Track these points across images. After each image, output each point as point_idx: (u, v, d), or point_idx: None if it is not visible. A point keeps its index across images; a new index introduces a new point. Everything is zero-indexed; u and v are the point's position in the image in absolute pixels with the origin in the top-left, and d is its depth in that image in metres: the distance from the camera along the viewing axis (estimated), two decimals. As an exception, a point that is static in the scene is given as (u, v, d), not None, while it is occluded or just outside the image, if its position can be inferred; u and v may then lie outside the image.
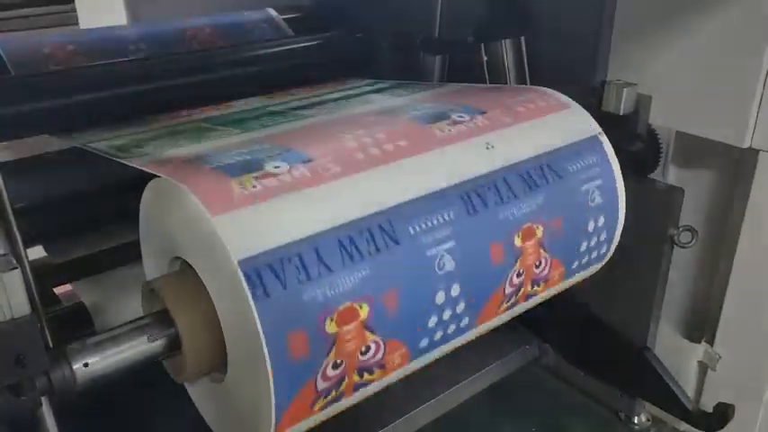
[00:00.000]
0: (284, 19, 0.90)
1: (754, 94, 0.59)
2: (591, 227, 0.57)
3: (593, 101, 0.66)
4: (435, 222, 0.45)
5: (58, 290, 0.68)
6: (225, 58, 0.81)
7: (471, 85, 0.67)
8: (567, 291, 0.64)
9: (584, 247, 0.57)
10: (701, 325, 0.72)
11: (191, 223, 0.40)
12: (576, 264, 0.58)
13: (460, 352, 0.56)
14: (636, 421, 0.76)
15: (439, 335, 0.47)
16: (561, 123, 0.58)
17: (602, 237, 0.59)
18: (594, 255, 0.59)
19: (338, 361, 0.41)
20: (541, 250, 0.53)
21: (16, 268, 0.35)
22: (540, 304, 0.62)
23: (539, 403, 0.82)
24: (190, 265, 0.43)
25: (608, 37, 0.67)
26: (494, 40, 0.72)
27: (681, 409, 0.70)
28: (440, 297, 0.46)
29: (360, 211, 0.42)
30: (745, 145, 0.61)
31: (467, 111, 0.54)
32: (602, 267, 0.65)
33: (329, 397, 0.42)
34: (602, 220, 0.58)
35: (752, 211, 0.63)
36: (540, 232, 0.52)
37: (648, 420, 0.76)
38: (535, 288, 0.54)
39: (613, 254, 0.64)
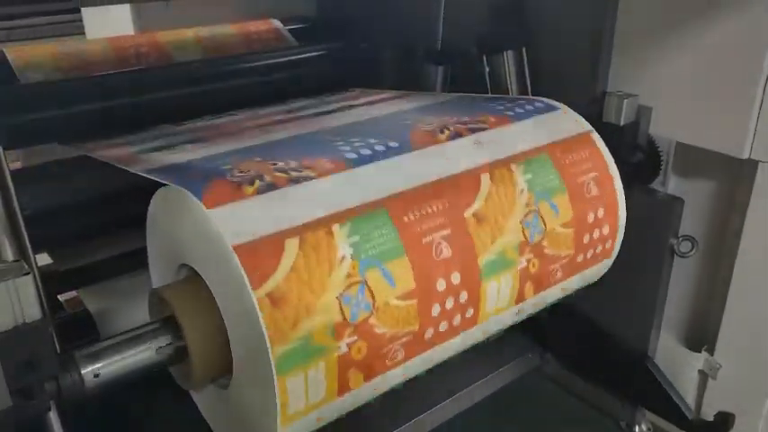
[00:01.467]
0: (289, 30, 0.91)
1: (753, 106, 0.60)
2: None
3: (593, 111, 0.67)
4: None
5: (61, 297, 0.68)
6: (231, 67, 0.82)
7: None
8: (568, 299, 0.64)
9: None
10: (701, 334, 0.72)
11: (198, 231, 0.41)
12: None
13: (462, 360, 0.56)
14: (637, 430, 0.76)
15: (366, 150, 0.49)
16: (589, 278, 0.60)
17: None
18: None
19: (243, 169, 0.45)
20: (444, 117, 0.57)
21: (29, 274, 0.36)
22: (542, 312, 0.62)
23: (540, 412, 0.82)
24: (197, 273, 0.43)
25: (608, 48, 0.68)
26: (496, 51, 0.73)
27: (681, 418, 0.70)
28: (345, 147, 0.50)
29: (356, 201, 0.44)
30: (745, 156, 0.61)
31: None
32: (604, 276, 0.66)
33: (255, 184, 0.43)
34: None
35: (751, 220, 0.64)
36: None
37: (649, 429, 0.76)
38: (471, 125, 0.56)
39: (614, 263, 0.65)
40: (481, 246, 0.50)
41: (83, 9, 1.06)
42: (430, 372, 0.53)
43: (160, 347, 0.42)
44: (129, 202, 0.69)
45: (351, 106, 0.69)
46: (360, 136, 0.52)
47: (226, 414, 0.46)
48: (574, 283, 0.60)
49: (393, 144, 0.50)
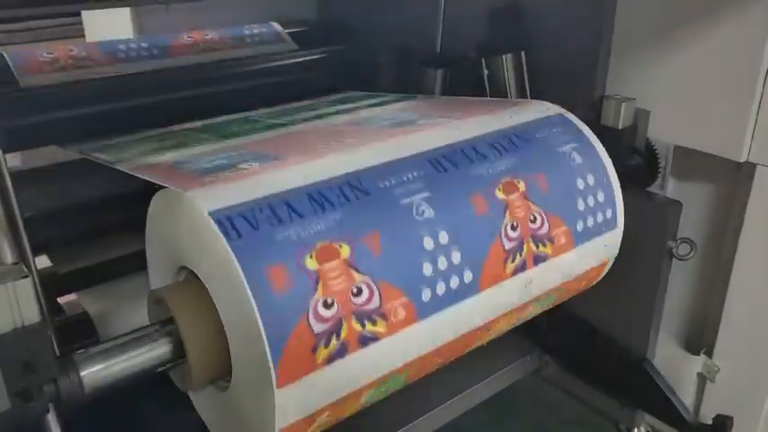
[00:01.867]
0: (288, 33, 0.91)
1: (751, 109, 0.60)
2: (581, 185, 0.57)
3: (592, 115, 0.67)
4: (405, 179, 0.47)
5: (61, 299, 0.68)
6: (230, 70, 0.82)
7: (451, 99, 0.69)
8: (567, 302, 0.65)
9: (581, 205, 0.57)
10: (699, 337, 0.72)
11: (197, 234, 0.41)
12: (581, 225, 0.57)
13: (462, 362, 0.57)
14: (635, 433, 0.77)
15: (441, 288, 0.46)
16: (598, 251, 0.59)
17: (600, 197, 0.58)
18: (600, 218, 0.58)
19: (329, 300, 0.40)
20: (531, 204, 0.53)
21: (27, 276, 0.36)
22: (541, 315, 0.63)
23: (539, 415, 0.82)
24: (195, 275, 0.44)
25: (606, 52, 0.68)
26: (494, 54, 0.73)
27: (680, 421, 0.70)
28: (427, 242, 0.46)
29: (328, 173, 0.45)
30: (742, 159, 0.62)
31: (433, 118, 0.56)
32: (603, 279, 0.66)
33: (331, 346, 0.40)
34: (591, 179, 0.57)
35: (749, 223, 0.64)
36: (522, 186, 0.52)
37: (648, 432, 0.76)
38: (541, 248, 0.53)
39: (613, 266, 0.65)
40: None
41: (83, 12, 1.06)
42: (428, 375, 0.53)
43: (159, 350, 0.42)
44: (128, 205, 0.70)
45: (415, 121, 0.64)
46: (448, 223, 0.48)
47: (224, 416, 0.46)
48: (582, 254, 0.58)
49: (467, 278, 0.47)
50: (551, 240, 0.53)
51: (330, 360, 0.40)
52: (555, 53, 0.71)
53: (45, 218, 0.65)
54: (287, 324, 0.38)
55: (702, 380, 0.72)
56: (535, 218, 0.52)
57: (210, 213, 0.39)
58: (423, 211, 0.46)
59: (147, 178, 0.45)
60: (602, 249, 0.59)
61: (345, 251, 0.42)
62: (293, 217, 0.41)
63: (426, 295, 0.45)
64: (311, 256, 0.40)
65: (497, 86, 0.74)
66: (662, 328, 0.72)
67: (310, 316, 0.39)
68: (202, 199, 0.40)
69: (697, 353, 0.72)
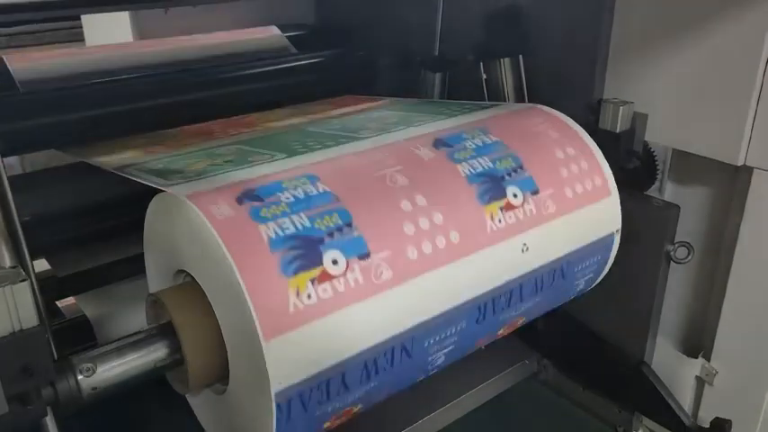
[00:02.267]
0: (287, 36, 0.92)
1: (748, 113, 0.60)
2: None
3: (590, 119, 0.67)
4: (448, 334, 0.47)
5: (59, 303, 0.68)
6: (230, 74, 0.82)
7: (510, 112, 0.65)
8: (565, 306, 0.65)
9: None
10: (698, 340, 0.72)
11: (195, 238, 0.41)
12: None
13: (459, 367, 0.57)
14: (634, 436, 0.76)
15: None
16: (595, 219, 0.59)
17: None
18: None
19: None
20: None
21: (26, 280, 0.36)
22: (539, 319, 0.63)
23: (537, 418, 0.82)
24: (193, 278, 0.44)
25: (604, 56, 0.69)
26: (492, 58, 0.74)
27: (678, 424, 0.70)
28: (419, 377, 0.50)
29: (393, 331, 0.44)
30: (739, 163, 0.62)
31: (521, 186, 0.54)
32: (600, 282, 0.66)
33: None
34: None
35: (747, 226, 0.64)
36: (520, 322, 0.56)
37: (646, 435, 0.76)
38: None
39: (611, 269, 0.65)
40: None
41: (82, 16, 1.06)
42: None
43: (157, 353, 0.42)
44: (126, 209, 0.70)
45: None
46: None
47: (221, 419, 0.46)
48: (575, 221, 0.58)
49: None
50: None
51: None
52: (553, 57, 0.71)
53: (44, 222, 0.65)
54: None
55: (700, 383, 0.72)
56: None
57: (276, 395, 0.39)
58: (436, 363, 0.49)
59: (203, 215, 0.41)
60: (601, 218, 0.59)
61: (357, 409, 0.45)
62: (341, 392, 0.42)
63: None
64: (330, 422, 0.43)
65: (495, 90, 0.74)
66: (660, 331, 0.72)
67: None
68: (274, 370, 0.39)
69: (695, 356, 0.72)
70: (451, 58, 0.79)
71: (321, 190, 0.44)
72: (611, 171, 0.61)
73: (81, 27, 1.11)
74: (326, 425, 0.44)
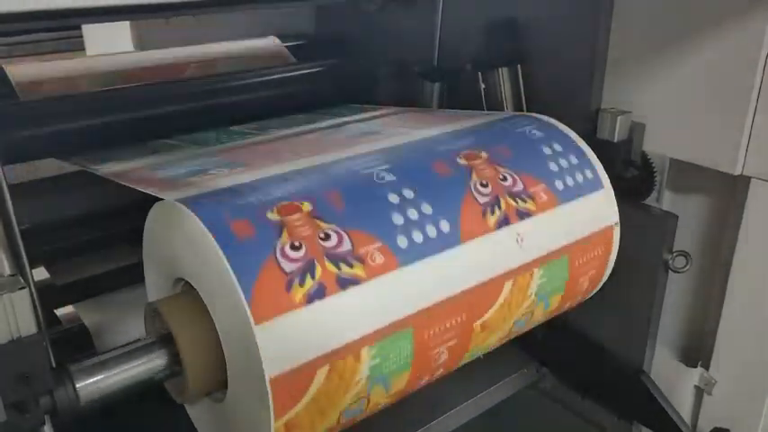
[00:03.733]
0: (287, 47, 0.92)
1: (745, 122, 0.60)
2: (547, 150, 0.58)
3: (587, 128, 0.68)
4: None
5: (58, 311, 0.68)
6: (229, 83, 0.83)
7: (495, 121, 0.66)
8: (563, 314, 0.65)
9: (554, 167, 0.58)
10: (696, 349, 0.72)
11: (194, 246, 0.41)
12: (560, 183, 0.58)
13: (457, 375, 0.57)
14: (633, 446, 0.76)
15: (418, 235, 0.47)
16: (590, 210, 0.60)
17: (573, 160, 0.60)
18: (580, 178, 0.60)
19: (295, 243, 0.41)
20: (497, 166, 0.54)
21: (24, 288, 0.36)
22: (538, 327, 0.63)
23: (536, 427, 0.82)
24: (192, 287, 0.44)
25: (602, 66, 0.69)
26: (491, 68, 0.74)
27: (678, 434, 0.70)
28: (392, 197, 0.47)
29: (390, 317, 0.44)
30: (737, 172, 0.62)
31: (509, 178, 0.55)
32: (599, 292, 0.66)
33: (307, 284, 0.41)
34: (557, 147, 0.59)
35: (745, 235, 0.64)
36: (484, 155, 0.54)
37: (645, 445, 0.76)
38: (521, 203, 0.54)
39: (609, 278, 0.65)
40: (474, 347, 0.52)
41: (83, 26, 1.07)
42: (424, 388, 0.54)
43: (155, 362, 0.42)
44: (125, 217, 0.70)
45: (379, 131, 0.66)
46: (412, 183, 0.49)
47: (220, 428, 0.46)
48: (569, 211, 0.58)
49: (444, 228, 0.48)
50: (531, 197, 0.55)
51: (309, 300, 0.41)
52: (551, 67, 0.71)
53: (43, 230, 0.65)
54: (254, 264, 0.39)
55: (699, 392, 0.72)
56: (505, 177, 0.54)
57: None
58: (383, 177, 0.48)
59: (125, 183, 0.48)
60: (596, 210, 0.60)
61: (307, 206, 0.43)
62: (253, 190, 0.44)
63: (403, 242, 0.46)
64: (273, 211, 0.42)
65: (494, 100, 0.74)
66: (658, 340, 0.72)
67: (278, 255, 0.40)
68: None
69: (694, 365, 0.72)
70: (450, 68, 0.79)
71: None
72: (601, 166, 0.61)
73: (82, 37, 1.11)
74: (272, 215, 0.43)
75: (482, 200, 0.51)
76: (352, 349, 0.42)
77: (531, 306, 0.56)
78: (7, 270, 0.42)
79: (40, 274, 0.68)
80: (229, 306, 0.39)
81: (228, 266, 0.38)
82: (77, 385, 0.39)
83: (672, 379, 0.73)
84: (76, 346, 0.62)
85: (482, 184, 0.52)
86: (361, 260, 0.43)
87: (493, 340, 0.55)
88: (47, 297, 0.64)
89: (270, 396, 0.38)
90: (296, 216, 0.42)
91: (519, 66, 0.74)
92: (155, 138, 0.72)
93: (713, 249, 0.69)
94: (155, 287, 0.50)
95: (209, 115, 0.79)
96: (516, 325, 0.56)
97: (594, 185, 0.60)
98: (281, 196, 0.43)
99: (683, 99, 0.65)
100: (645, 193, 0.70)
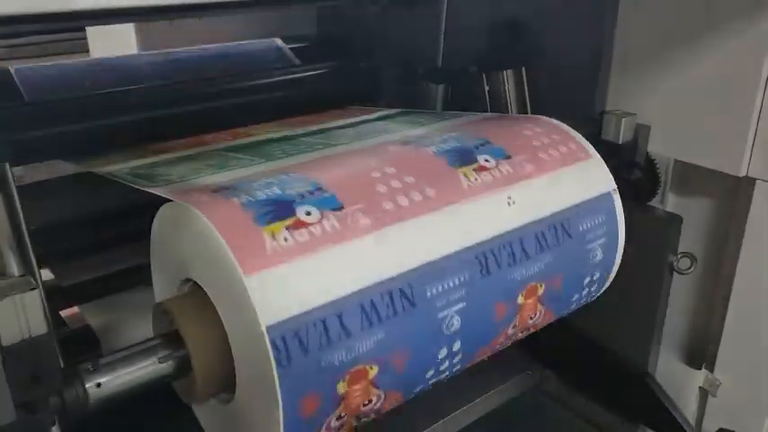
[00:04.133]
0: (290, 48, 0.92)
1: (750, 124, 0.60)
2: (586, 281, 0.59)
3: (592, 130, 0.68)
4: (451, 285, 0.46)
5: (63, 312, 0.68)
6: (233, 85, 0.83)
7: (488, 116, 0.67)
8: (567, 317, 0.65)
9: (575, 298, 0.59)
10: (701, 351, 0.72)
11: (202, 245, 0.41)
12: (564, 311, 0.59)
13: (459, 378, 0.56)
14: (637, 448, 0.76)
15: (433, 381, 0.49)
16: (581, 177, 0.58)
17: (593, 288, 0.61)
18: (583, 302, 0.61)
19: (342, 414, 0.42)
20: (539, 305, 0.54)
21: (36, 288, 0.36)
22: (542, 330, 0.63)
23: (539, 430, 0.82)
24: (200, 287, 0.44)
25: (607, 68, 0.69)
26: (495, 69, 0.74)
27: (682, 436, 0.70)
28: (442, 353, 0.48)
29: (384, 273, 0.43)
30: (742, 174, 0.62)
31: (492, 153, 0.54)
32: (603, 294, 0.66)
33: None
34: (597, 275, 0.59)
35: (749, 237, 0.64)
36: (541, 290, 0.54)
37: (649, 447, 0.76)
38: (523, 333, 0.56)
39: (613, 281, 0.65)
40: None
41: (87, 28, 1.07)
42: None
43: (164, 361, 0.42)
44: (131, 218, 0.70)
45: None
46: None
47: (228, 429, 0.46)
48: (559, 179, 0.57)
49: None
50: (534, 326, 0.57)
51: None
52: (556, 69, 0.72)
53: (47, 231, 0.65)
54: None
55: (704, 394, 0.72)
56: (535, 315, 0.55)
57: (268, 329, 0.38)
58: (452, 325, 0.47)
59: (193, 207, 0.42)
60: (588, 177, 0.59)
61: (373, 372, 0.43)
62: (342, 337, 0.41)
63: (418, 389, 0.49)
64: (344, 381, 0.42)
65: (498, 102, 0.75)
66: (663, 342, 0.73)
67: (323, 430, 0.42)
68: (262, 305, 0.38)
69: (698, 367, 0.72)
70: (454, 70, 0.80)
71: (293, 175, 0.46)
72: (587, 141, 0.60)
73: (86, 38, 1.12)
74: (341, 387, 0.41)
75: (502, 341, 0.54)
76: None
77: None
78: (16, 271, 0.42)
79: (45, 275, 0.68)
80: (239, 309, 0.39)
81: (241, 272, 0.38)
82: (87, 385, 0.39)
83: (676, 381, 0.73)
84: (82, 348, 0.62)
85: (513, 326, 0.53)
86: (379, 412, 0.46)
87: None
88: (52, 298, 0.65)
89: (279, 396, 0.38)
90: (359, 386, 0.43)
91: (523, 68, 0.74)
92: (159, 139, 0.72)
93: (717, 251, 0.69)
94: (162, 287, 0.50)
95: (210, 117, 0.79)
96: None
97: (581, 155, 0.59)
98: (360, 357, 0.42)
99: (687, 101, 0.65)
100: (649, 194, 0.70)
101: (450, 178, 0.50)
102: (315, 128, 0.71)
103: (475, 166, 0.52)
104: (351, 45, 0.91)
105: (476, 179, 0.51)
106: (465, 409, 0.76)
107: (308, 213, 0.42)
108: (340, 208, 0.44)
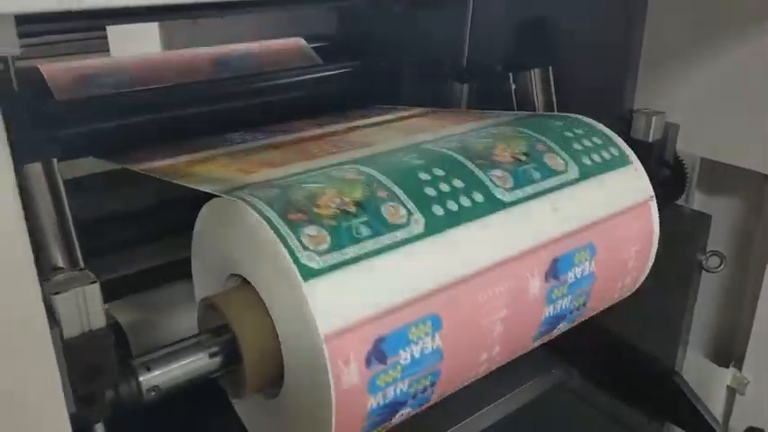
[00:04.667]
0: (312, 47, 0.92)
1: (780, 122, 0.61)
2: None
3: (620, 129, 0.68)
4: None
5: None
6: (257, 84, 0.83)
7: (530, 116, 0.66)
8: (595, 315, 0.65)
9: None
10: (729, 349, 0.72)
11: (254, 241, 0.41)
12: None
13: (485, 377, 0.57)
14: (663, 447, 0.76)
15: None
16: (622, 184, 0.58)
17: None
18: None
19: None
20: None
21: (96, 282, 0.37)
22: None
23: (565, 429, 0.82)
24: (247, 282, 0.44)
25: (635, 66, 0.69)
26: (521, 69, 0.74)
27: (711, 434, 0.70)
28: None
29: (438, 280, 0.44)
30: (769, 170, 0.62)
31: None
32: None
33: None
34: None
35: (779, 235, 0.65)
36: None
37: (675, 447, 0.76)
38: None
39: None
40: None
41: (108, 27, 1.07)
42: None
43: (214, 356, 0.42)
44: (161, 215, 0.70)
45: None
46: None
47: (273, 424, 0.46)
48: (601, 186, 0.57)
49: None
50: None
51: None
52: (584, 68, 0.72)
53: (77, 228, 0.65)
54: None
55: (732, 392, 0.72)
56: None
57: (326, 337, 0.38)
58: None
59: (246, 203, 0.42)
60: (628, 184, 0.59)
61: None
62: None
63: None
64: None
65: (525, 101, 0.75)
66: (690, 340, 0.73)
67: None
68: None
69: (726, 365, 0.72)
70: (479, 69, 0.80)
71: (434, 347, 0.44)
72: (626, 144, 0.60)
73: (106, 38, 1.12)
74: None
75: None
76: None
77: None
78: (66, 265, 0.42)
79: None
80: (295, 310, 0.39)
81: (295, 269, 0.38)
82: (140, 379, 0.39)
83: (704, 379, 0.73)
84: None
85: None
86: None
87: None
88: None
89: (332, 388, 0.38)
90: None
91: (550, 67, 0.74)
92: (186, 138, 0.72)
93: (745, 249, 0.69)
94: (205, 282, 0.50)
95: (235, 116, 0.79)
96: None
97: (622, 161, 0.59)
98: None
99: (715, 99, 0.65)
100: (676, 193, 0.70)
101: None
102: (440, 133, 0.67)
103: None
104: (372, 44, 0.91)
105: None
106: (489, 408, 0.76)
107: None
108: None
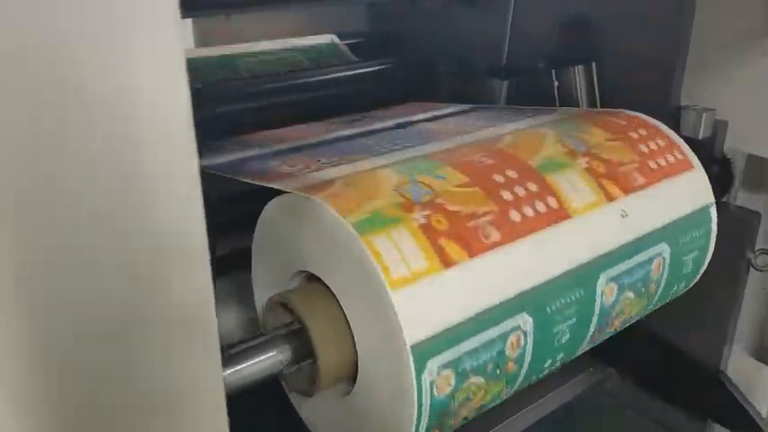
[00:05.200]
0: (345, 44, 0.92)
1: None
2: (672, 291, 0.59)
3: (669, 125, 0.67)
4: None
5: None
6: (289, 82, 0.82)
7: (586, 113, 0.66)
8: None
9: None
10: (774, 348, 0.72)
11: (330, 240, 0.41)
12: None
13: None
14: (705, 448, 0.76)
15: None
16: (685, 189, 0.58)
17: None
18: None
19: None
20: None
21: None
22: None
23: (602, 429, 0.81)
24: (316, 278, 0.43)
25: (683, 63, 0.68)
26: (564, 65, 0.74)
27: (757, 433, 0.69)
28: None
29: (515, 288, 0.43)
30: (820, 167, 0.62)
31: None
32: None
33: None
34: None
35: (828, 232, 0.64)
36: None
37: (717, 448, 0.76)
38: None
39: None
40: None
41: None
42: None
43: (285, 353, 0.41)
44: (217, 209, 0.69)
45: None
46: None
47: (344, 423, 0.45)
48: (667, 191, 0.57)
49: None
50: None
51: None
52: (629, 65, 0.71)
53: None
54: None
55: (777, 391, 0.72)
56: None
57: (412, 347, 0.38)
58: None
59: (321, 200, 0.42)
60: (691, 189, 0.59)
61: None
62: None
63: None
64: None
65: (568, 97, 0.74)
66: (735, 338, 0.72)
67: None
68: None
69: (772, 364, 0.72)
70: (519, 66, 0.79)
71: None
72: (687, 146, 0.60)
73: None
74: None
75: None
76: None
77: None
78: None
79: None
80: (376, 315, 0.39)
81: (380, 271, 0.37)
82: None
83: (747, 378, 0.72)
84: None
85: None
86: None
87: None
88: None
89: (414, 383, 0.37)
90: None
91: (593, 63, 0.73)
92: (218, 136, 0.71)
93: (793, 248, 0.68)
94: (268, 279, 0.49)
95: (269, 113, 0.78)
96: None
97: (685, 165, 0.60)
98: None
99: (762, 94, 0.64)
100: (723, 191, 0.70)
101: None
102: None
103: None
104: (407, 41, 0.90)
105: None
106: (528, 409, 0.75)
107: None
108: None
